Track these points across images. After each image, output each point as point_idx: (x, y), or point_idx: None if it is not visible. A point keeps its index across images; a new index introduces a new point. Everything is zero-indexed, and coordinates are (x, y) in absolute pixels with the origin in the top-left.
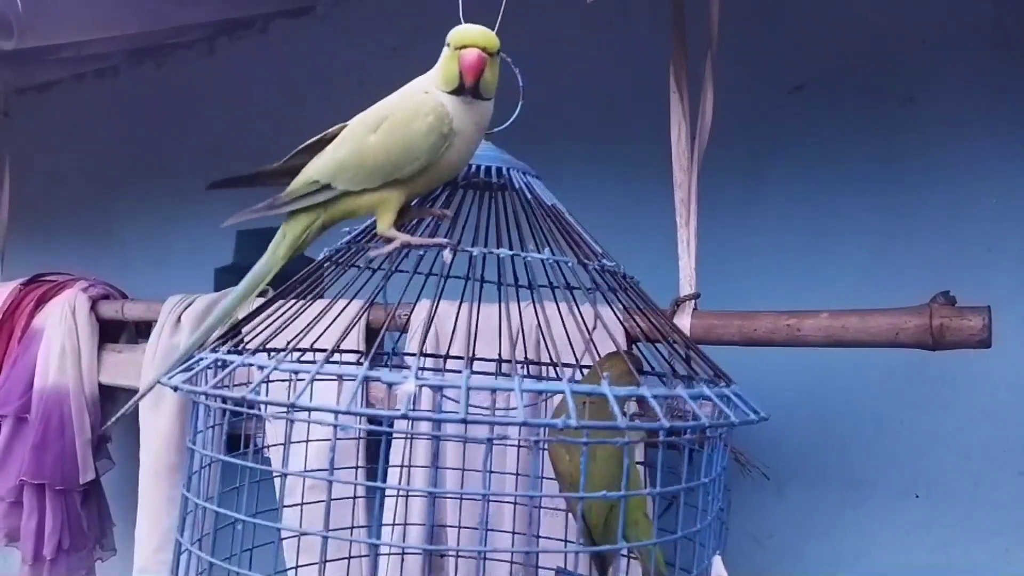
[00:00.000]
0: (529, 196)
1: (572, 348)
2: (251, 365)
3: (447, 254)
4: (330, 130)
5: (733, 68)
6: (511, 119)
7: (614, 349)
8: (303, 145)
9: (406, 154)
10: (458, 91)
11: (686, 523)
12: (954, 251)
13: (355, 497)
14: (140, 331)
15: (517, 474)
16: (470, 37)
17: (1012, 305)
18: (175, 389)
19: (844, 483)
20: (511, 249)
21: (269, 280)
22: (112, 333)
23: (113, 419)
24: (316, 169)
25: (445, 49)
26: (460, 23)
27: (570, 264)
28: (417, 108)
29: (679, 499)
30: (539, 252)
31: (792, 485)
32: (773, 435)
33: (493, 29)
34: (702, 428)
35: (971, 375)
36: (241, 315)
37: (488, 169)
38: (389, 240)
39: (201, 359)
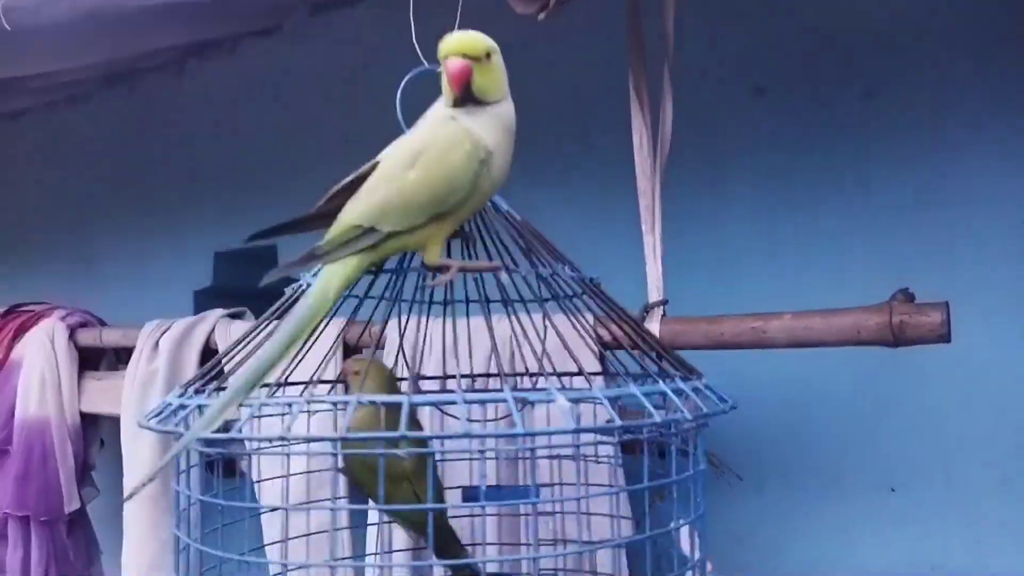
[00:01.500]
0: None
1: (550, 359)
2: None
3: (503, 276)
4: (362, 168)
5: (693, 74)
6: None
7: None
8: (337, 187)
9: (449, 187)
10: (456, 103)
11: (664, 523)
12: (915, 248)
13: (336, 529)
14: (120, 357)
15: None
16: (449, 46)
17: (973, 300)
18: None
19: (822, 480)
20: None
21: (315, 326)
22: (92, 360)
23: (132, 491)
24: (358, 214)
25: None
26: (426, 38)
27: (546, 276)
28: (451, 139)
29: (665, 497)
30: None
31: (771, 483)
32: (750, 434)
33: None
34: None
35: (936, 369)
36: (283, 365)
37: None
38: (441, 268)
39: (185, 406)
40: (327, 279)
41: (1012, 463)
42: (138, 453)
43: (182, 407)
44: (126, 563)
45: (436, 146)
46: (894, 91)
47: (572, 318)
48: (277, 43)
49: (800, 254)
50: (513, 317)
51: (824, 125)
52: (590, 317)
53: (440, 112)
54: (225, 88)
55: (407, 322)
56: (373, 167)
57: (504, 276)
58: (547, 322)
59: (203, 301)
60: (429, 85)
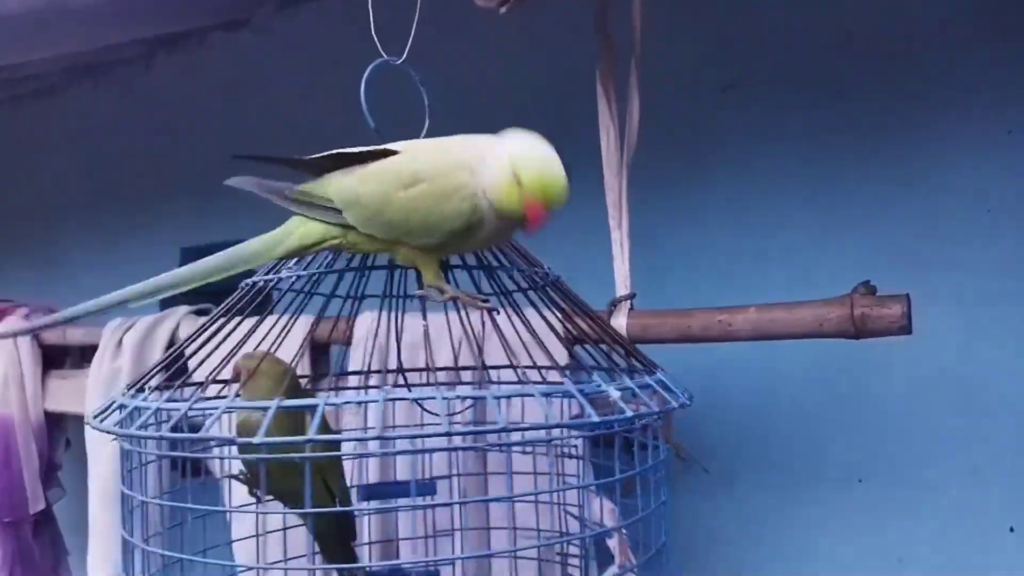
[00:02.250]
0: None
1: (511, 354)
2: (202, 411)
3: (488, 314)
4: (376, 148)
5: (662, 70)
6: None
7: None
8: (344, 151)
9: (425, 227)
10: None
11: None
12: (879, 242)
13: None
14: (85, 355)
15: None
16: (548, 194)
17: (937, 293)
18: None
19: (790, 473)
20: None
21: (251, 266)
22: (56, 359)
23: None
24: (335, 189)
25: (507, 165)
26: (389, 31)
27: (514, 272)
28: (455, 191)
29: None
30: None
31: (740, 479)
32: (719, 429)
33: (407, 42)
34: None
35: (901, 362)
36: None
37: None
38: (439, 291)
39: (146, 408)
40: (287, 228)
41: (977, 452)
42: (102, 453)
43: (137, 409)
44: (92, 564)
45: (437, 186)
46: (861, 87)
47: (540, 313)
48: (246, 37)
49: (767, 248)
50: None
51: (792, 122)
52: (558, 313)
53: (465, 158)
54: (193, 82)
55: (379, 317)
56: (385, 152)
57: (488, 314)
58: (516, 317)
59: (170, 298)
60: (393, 76)
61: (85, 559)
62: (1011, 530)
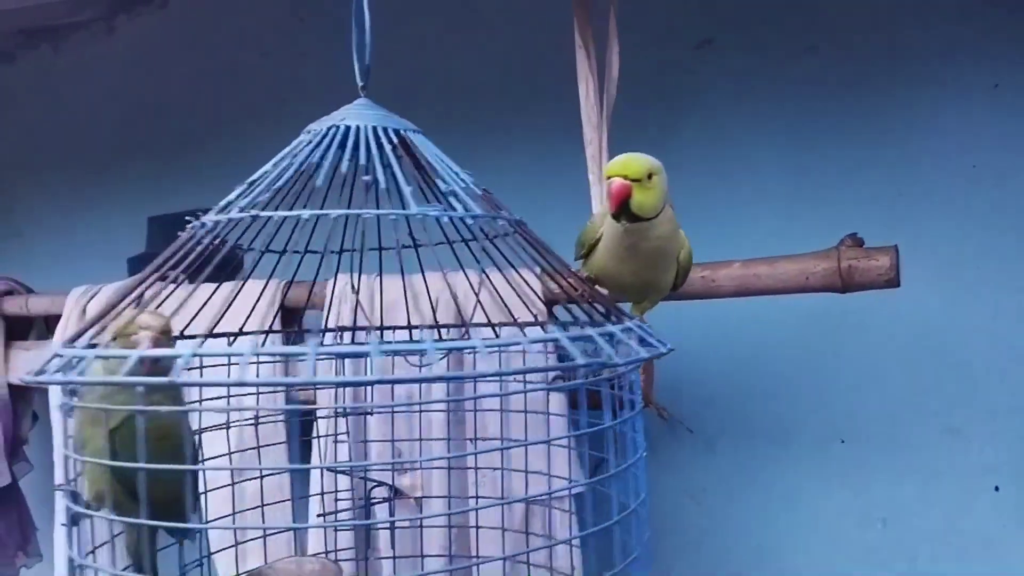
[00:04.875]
0: (418, 155)
1: (496, 310)
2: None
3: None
4: None
5: (640, 25)
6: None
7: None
8: None
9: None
10: (615, 217)
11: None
12: (863, 197)
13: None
14: (50, 327)
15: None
16: (612, 167)
17: (920, 249)
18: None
19: (771, 435)
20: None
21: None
22: (20, 330)
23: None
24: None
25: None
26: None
27: (470, 220)
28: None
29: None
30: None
31: (722, 441)
32: (701, 393)
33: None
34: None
35: (883, 320)
36: None
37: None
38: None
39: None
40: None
41: (958, 412)
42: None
43: (76, 359)
44: (58, 539)
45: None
46: (839, 44)
47: (519, 273)
48: None
49: (747, 205)
50: (459, 272)
51: (770, 77)
52: (537, 270)
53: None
54: (156, 46)
55: (359, 277)
56: None
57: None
58: (492, 276)
59: (137, 268)
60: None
61: (53, 536)
62: (996, 489)
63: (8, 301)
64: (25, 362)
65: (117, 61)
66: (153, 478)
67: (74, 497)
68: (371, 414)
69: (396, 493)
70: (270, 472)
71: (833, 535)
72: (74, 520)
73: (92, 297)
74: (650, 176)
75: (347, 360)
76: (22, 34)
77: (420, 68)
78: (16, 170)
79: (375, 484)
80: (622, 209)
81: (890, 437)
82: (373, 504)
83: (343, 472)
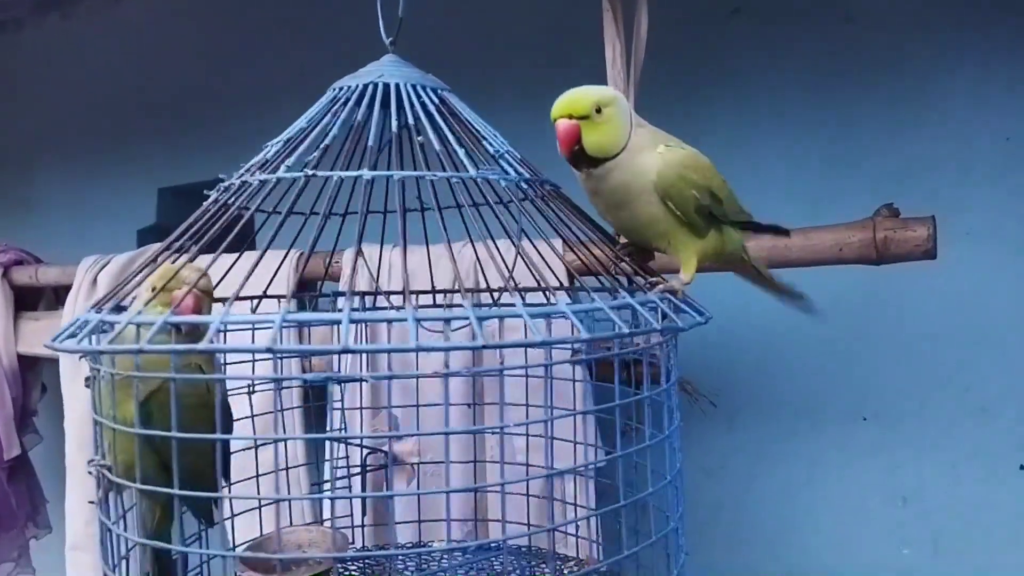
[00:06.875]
0: (447, 111)
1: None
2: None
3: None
4: None
5: None
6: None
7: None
8: None
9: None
10: (574, 165)
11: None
12: (898, 168)
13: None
14: (60, 297)
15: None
16: (555, 109)
17: (956, 221)
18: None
19: (793, 411)
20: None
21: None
22: (29, 301)
23: None
24: None
25: None
26: None
27: (507, 182)
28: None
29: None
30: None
31: (742, 416)
32: (722, 367)
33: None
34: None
35: (916, 293)
36: None
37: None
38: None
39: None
40: None
41: (990, 388)
42: (77, 395)
43: (103, 325)
44: (70, 509)
45: None
46: (875, 14)
47: (545, 239)
48: None
49: (778, 175)
50: (480, 243)
51: (801, 47)
52: (559, 242)
53: None
54: (170, 14)
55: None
56: None
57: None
58: (517, 244)
59: (147, 240)
60: None
61: (63, 508)
62: (1021, 468)
63: (17, 271)
64: (34, 333)
65: (126, 30)
66: (186, 447)
67: (107, 471)
68: (392, 378)
69: (394, 460)
70: (293, 439)
71: (855, 513)
72: (106, 494)
73: (103, 267)
74: (599, 110)
75: (367, 326)
76: (31, 2)
77: (439, 32)
78: (24, 140)
79: (370, 451)
80: (576, 154)
81: (916, 414)
82: (369, 471)
83: (366, 444)
